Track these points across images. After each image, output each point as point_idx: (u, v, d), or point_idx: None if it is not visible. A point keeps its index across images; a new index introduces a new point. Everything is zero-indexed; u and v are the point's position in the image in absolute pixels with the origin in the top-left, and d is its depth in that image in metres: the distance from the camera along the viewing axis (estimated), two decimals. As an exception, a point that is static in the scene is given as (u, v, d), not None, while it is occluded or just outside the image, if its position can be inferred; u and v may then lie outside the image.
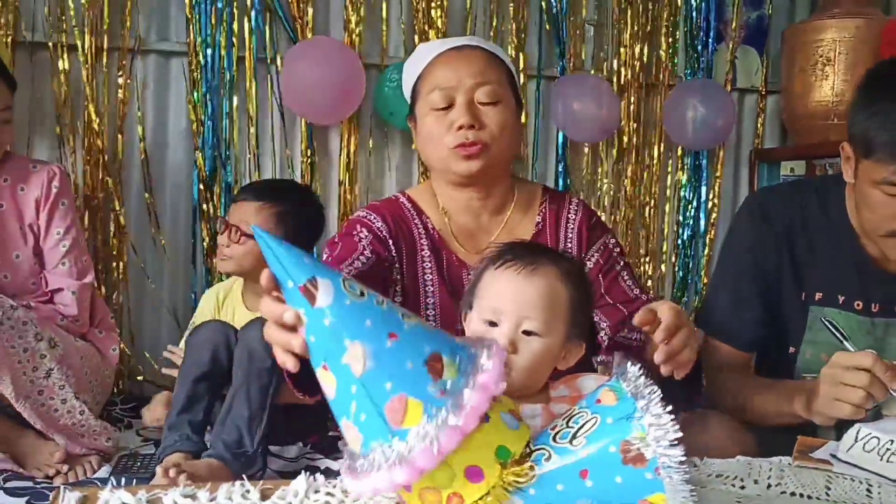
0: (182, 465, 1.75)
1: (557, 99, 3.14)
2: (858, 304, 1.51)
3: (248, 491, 1.03)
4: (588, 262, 1.55)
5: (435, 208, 1.59)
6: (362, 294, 0.88)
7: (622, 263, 1.57)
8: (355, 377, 0.84)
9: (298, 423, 2.14)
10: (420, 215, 1.58)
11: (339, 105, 2.87)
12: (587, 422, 0.89)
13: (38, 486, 1.97)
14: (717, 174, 3.51)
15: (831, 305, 1.52)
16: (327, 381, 0.87)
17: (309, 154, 3.01)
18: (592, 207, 1.74)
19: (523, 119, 2.01)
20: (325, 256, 1.52)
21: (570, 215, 1.58)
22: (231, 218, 2.33)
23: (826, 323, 1.46)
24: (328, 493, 1.02)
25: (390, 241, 1.52)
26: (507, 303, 1.07)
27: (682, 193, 3.49)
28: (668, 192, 3.49)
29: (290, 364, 0.91)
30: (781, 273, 1.55)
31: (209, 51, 2.86)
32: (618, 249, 1.59)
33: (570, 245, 1.56)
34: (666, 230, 3.48)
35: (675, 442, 0.84)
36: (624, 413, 0.86)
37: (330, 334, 0.85)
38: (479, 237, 1.59)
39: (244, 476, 1.09)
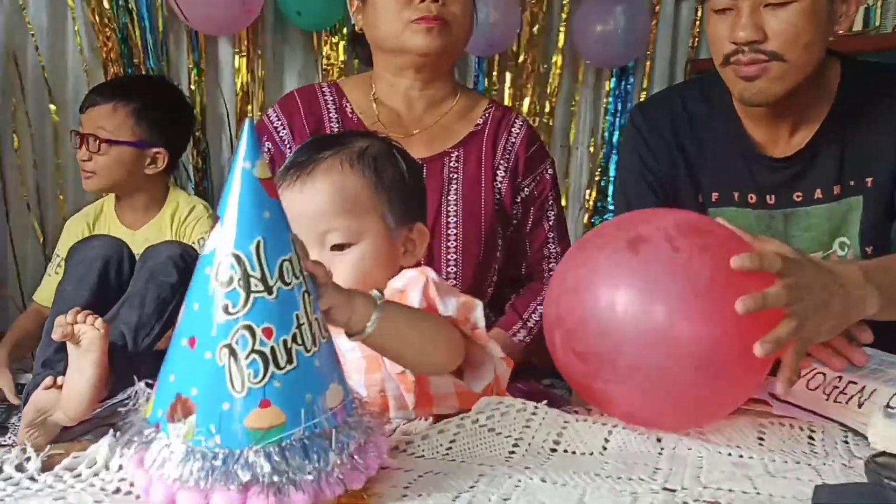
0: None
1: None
2: (752, 198, 1.44)
3: (28, 459, 0.79)
4: (524, 190, 1.53)
5: (365, 95, 1.53)
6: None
7: (551, 201, 1.56)
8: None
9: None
10: (340, 99, 1.53)
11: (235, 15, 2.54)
12: None
13: None
14: (644, 87, 3.32)
15: (728, 205, 1.46)
16: None
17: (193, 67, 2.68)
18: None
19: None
20: None
21: (513, 129, 1.55)
22: (84, 129, 2.03)
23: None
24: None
25: (285, 139, 1.50)
26: (298, 227, 0.77)
27: (608, 104, 3.33)
28: (595, 104, 3.34)
29: None
30: (677, 179, 1.49)
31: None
32: (554, 187, 1.57)
33: (507, 158, 1.52)
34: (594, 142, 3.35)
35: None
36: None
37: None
38: (408, 125, 1.53)
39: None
